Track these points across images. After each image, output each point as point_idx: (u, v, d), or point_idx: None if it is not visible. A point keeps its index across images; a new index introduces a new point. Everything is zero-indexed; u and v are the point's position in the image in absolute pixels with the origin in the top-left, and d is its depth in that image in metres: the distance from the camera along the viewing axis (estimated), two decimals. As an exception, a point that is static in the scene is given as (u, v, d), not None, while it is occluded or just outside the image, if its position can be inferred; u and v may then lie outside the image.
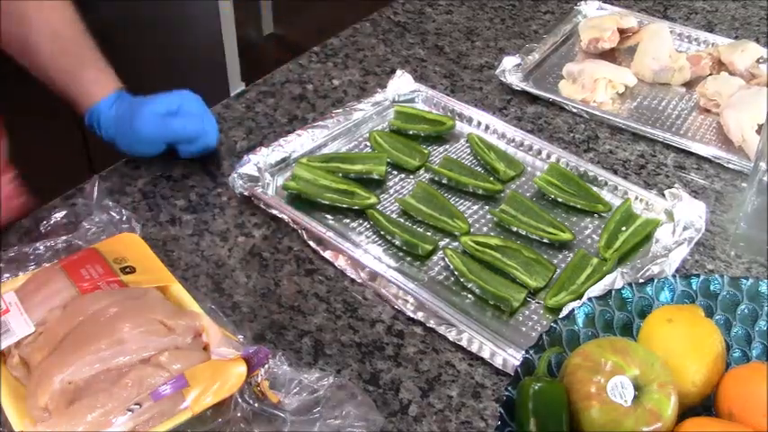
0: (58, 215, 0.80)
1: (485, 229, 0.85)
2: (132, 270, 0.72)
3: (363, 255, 0.79)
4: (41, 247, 0.75)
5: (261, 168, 0.88)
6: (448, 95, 1.03)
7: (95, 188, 0.82)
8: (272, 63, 1.17)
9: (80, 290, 0.68)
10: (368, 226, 0.84)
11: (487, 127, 0.98)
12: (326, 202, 0.85)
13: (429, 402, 0.68)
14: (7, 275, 0.73)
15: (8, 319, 0.66)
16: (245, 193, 0.86)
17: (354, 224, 0.85)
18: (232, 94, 1.05)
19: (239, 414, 0.64)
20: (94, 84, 0.89)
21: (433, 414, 0.67)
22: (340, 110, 0.99)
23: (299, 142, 0.93)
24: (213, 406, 0.63)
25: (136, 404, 0.61)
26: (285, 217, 0.83)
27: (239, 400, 0.64)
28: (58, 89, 0.89)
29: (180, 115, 0.87)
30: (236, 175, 0.86)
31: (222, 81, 2.34)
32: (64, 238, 0.76)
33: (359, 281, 0.78)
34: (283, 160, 0.91)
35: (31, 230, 0.80)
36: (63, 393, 0.61)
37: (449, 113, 1.01)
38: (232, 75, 2.39)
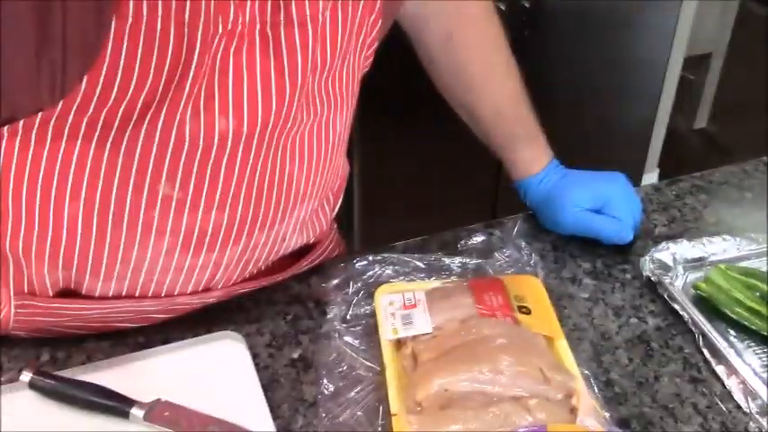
0: (477, 239, 0.87)
1: None
2: (528, 312, 0.75)
3: (760, 386, 0.73)
4: (457, 261, 0.82)
5: (676, 259, 0.85)
6: None
7: (516, 227, 0.88)
8: (693, 157, 1.13)
9: (479, 311, 0.74)
10: (772, 358, 0.77)
11: None
12: (734, 317, 0.80)
13: None
14: (422, 276, 0.81)
15: (414, 314, 0.74)
16: (652, 279, 0.84)
17: (758, 350, 0.78)
18: (644, 177, 1.04)
19: (584, 488, 0.63)
20: (528, 161, 0.92)
21: None
22: (778, 228, 0.92)
23: (722, 246, 0.88)
24: (561, 469, 0.63)
25: (496, 434, 0.63)
26: (686, 315, 0.80)
27: (590, 474, 0.63)
28: (493, 151, 0.94)
29: (603, 213, 0.88)
30: (648, 259, 0.85)
31: (639, 161, 2.33)
32: (477, 261, 0.83)
33: (745, 409, 0.72)
34: (700, 259, 0.87)
35: (449, 244, 0.87)
36: (437, 397, 0.67)
37: None
38: (650, 159, 2.37)
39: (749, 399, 0.72)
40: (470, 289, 0.76)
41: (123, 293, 0.73)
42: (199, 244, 0.70)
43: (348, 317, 0.77)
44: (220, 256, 0.72)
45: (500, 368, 0.67)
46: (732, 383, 0.74)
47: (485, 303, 0.74)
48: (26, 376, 0.67)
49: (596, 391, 0.71)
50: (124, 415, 0.66)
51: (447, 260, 0.83)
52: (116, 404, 0.66)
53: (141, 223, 0.67)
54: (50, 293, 0.71)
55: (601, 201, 0.88)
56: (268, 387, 0.71)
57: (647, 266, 0.85)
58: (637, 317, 0.82)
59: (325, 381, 0.71)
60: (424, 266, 0.82)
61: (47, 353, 0.74)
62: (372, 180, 1.90)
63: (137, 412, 0.66)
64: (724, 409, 0.72)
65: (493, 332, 0.71)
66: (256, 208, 0.71)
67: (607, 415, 0.68)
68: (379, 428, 0.67)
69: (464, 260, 0.83)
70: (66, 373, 0.69)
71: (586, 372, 0.72)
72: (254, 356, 0.74)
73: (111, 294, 0.72)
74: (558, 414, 0.65)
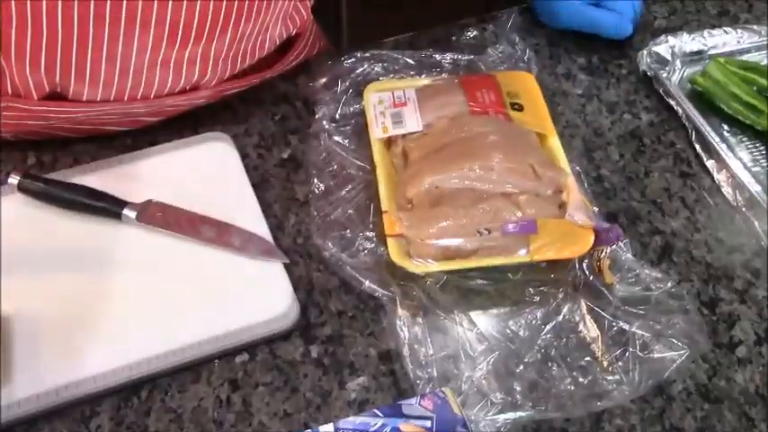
0: (469, 35, 0.84)
1: None
2: (520, 108, 0.73)
3: (749, 179, 0.73)
4: (449, 58, 0.79)
5: (674, 53, 0.83)
6: None
7: (510, 21, 0.84)
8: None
9: (470, 109, 0.72)
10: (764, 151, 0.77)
11: None
12: (729, 112, 0.79)
13: (760, 352, 0.63)
14: (412, 73, 0.78)
15: (404, 112, 0.72)
16: (649, 73, 0.82)
17: (750, 144, 0.78)
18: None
19: (570, 278, 0.65)
20: None
21: (761, 365, 0.62)
22: (781, 18, 0.88)
23: (723, 39, 0.85)
24: (550, 261, 0.65)
25: (485, 229, 0.64)
26: (680, 110, 0.79)
27: (576, 266, 0.65)
28: None
29: (602, 5, 0.84)
30: (645, 52, 0.82)
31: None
32: (469, 57, 0.80)
33: (732, 203, 0.73)
34: (699, 53, 0.84)
35: (441, 40, 0.84)
36: (428, 193, 0.67)
37: None
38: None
39: (737, 192, 0.73)
40: (462, 86, 0.74)
41: (111, 98, 0.71)
42: (185, 35, 0.68)
43: (337, 116, 0.75)
44: (207, 48, 0.70)
45: (491, 165, 0.67)
46: (721, 177, 0.74)
47: (476, 100, 0.73)
48: (14, 179, 0.67)
49: (586, 186, 0.71)
50: (116, 216, 0.67)
51: (438, 56, 0.80)
52: (108, 205, 0.67)
53: (124, 16, 0.64)
54: (35, 97, 0.69)
55: None
56: (259, 187, 0.71)
57: (644, 60, 0.82)
58: (630, 112, 0.80)
59: (315, 180, 0.71)
60: (414, 63, 0.79)
61: (33, 156, 0.73)
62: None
63: (129, 213, 0.66)
64: (711, 202, 0.73)
65: (484, 129, 0.70)
66: None
67: (596, 209, 0.69)
68: (370, 225, 0.67)
69: (456, 56, 0.80)
70: (54, 176, 0.69)
71: (577, 168, 0.72)
72: (244, 157, 0.73)
73: (98, 99, 0.70)
74: (547, 209, 0.66)
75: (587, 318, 0.63)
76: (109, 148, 0.73)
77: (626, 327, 0.62)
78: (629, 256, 0.66)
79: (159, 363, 0.60)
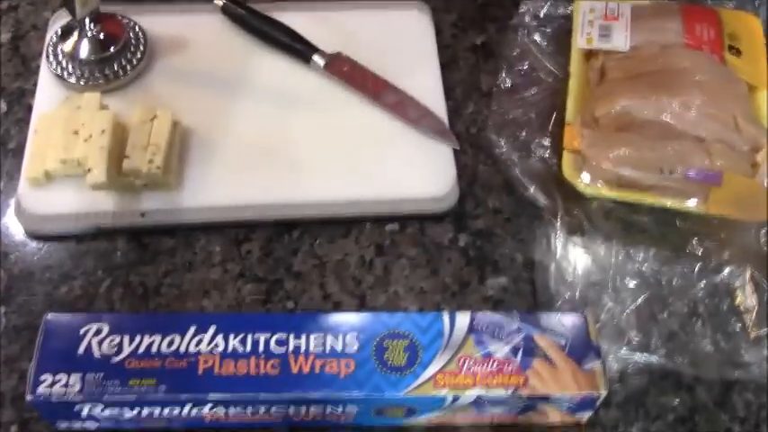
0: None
1: None
2: (738, 53, 0.68)
3: None
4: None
5: None
6: None
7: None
8: None
9: (684, 41, 0.67)
10: None
11: None
12: None
13: None
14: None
15: (613, 27, 0.69)
16: None
17: None
18: None
19: (741, 242, 0.62)
20: None
21: None
22: None
23: None
24: (724, 219, 0.62)
25: (668, 169, 0.61)
26: None
27: (752, 232, 0.61)
28: None
29: None
30: None
31: None
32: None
33: None
34: None
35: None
36: (617, 117, 0.64)
37: None
38: None
39: None
40: (681, 14, 0.69)
41: None
42: None
43: (541, 14, 0.72)
44: None
45: (691, 104, 0.63)
46: None
47: (693, 34, 0.68)
48: (219, 1, 0.68)
49: (784, 153, 0.66)
50: (305, 60, 0.67)
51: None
52: (301, 47, 0.67)
53: None
54: None
55: None
56: (445, 67, 0.70)
57: None
58: None
59: (503, 74, 0.69)
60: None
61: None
62: None
63: (318, 60, 0.67)
64: None
65: (694, 66, 0.66)
66: None
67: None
68: (548, 134, 0.66)
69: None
70: (256, 7, 0.69)
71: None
72: (438, 33, 0.72)
73: None
74: (738, 165, 0.62)
75: (748, 286, 0.60)
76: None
77: (787, 306, 0.59)
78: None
79: (315, 210, 0.61)
